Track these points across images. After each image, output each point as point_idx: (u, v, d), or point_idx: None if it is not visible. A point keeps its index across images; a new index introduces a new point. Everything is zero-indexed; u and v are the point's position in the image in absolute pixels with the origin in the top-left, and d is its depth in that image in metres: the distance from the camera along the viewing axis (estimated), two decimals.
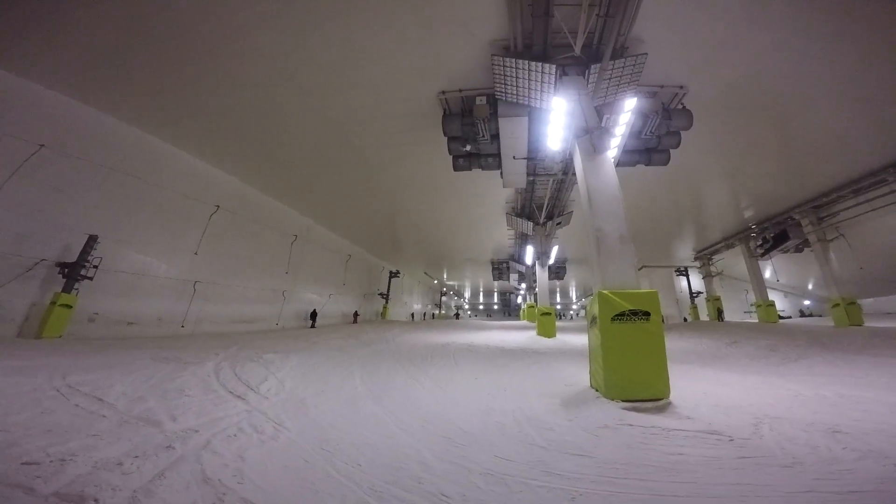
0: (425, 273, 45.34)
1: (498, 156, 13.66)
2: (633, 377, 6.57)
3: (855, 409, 5.58)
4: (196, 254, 16.80)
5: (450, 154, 13.85)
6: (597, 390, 7.20)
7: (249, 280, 20.26)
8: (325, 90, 12.36)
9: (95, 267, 13.05)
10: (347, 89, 12.32)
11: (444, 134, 13.04)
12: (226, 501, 3.06)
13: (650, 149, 13.35)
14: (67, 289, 12.42)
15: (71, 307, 12.36)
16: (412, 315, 47.51)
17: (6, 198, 11.37)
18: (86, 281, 12.82)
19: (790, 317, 33.29)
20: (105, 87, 12.18)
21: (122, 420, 4.74)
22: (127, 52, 10.80)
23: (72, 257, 12.63)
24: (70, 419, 4.59)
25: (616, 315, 6.98)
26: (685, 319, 36.71)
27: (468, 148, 13.39)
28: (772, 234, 23.49)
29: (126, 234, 14.33)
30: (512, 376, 9.21)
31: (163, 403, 5.58)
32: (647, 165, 13.72)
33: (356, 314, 31.30)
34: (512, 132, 12.37)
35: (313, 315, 25.71)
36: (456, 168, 14.33)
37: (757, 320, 24.87)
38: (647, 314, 6.96)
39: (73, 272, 12.51)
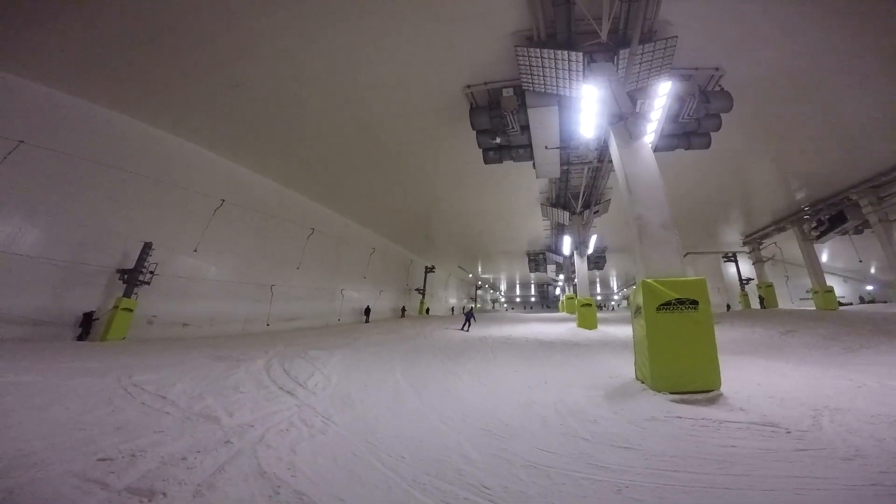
0: (459, 267, 45.39)
1: (529, 146, 13.39)
2: (681, 368, 6.37)
3: None
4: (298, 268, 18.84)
5: (479, 147, 13.73)
6: (643, 382, 7.04)
7: (313, 280, 21.95)
8: (348, 91, 12.53)
9: (152, 273, 13.91)
10: (369, 89, 12.44)
11: (473, 128, 12.94)
12: (281, 494, 3.23)
13: (689, 132, 12.82)
14: (128, 293, 13.32)
15: (132, 311, 13.26)
16: (451, 309, 47.89)
17: (68, 210, 12.33)
18: (144, 286, 13.69)
19: (850, 303, 30.98)
20: (147, 99, 12.90)
21: (185, 417, 5.06)
22: (157, 64, 11.36)
23: (129, 264, 13.53)
24: (138, 416, 4.95)
25: (662, 304, 6.78)
26: (728, 307, 34.97)
27: (498, 140, 13.19)
28: (827, 216, 21.84)
29: (179, 241, 15.20)
30: (553, 369, 9.14)
31: (220, 400, 5.91)
32: (686, 149, 13.21)
33: (404, 309, 32.91)
34: (542, 122, 12.14)
35: (367, 311, 26.79)
36: (487, 161, 14.19)
37: (814, 307, 23.34)
38: (695, 303, 6.72)
39: (132, 278, 13.40)
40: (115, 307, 12.96)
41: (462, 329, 18.48)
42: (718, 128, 12.57)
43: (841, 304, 25.70)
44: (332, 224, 23.55)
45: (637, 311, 7.36)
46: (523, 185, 20.07)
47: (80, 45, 10.63)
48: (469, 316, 20.16)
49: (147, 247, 13.83)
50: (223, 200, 16.50)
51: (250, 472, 3.61)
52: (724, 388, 6.21)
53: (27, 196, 11.62)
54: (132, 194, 13.89)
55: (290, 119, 13.99)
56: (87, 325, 12.95)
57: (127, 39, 10.47)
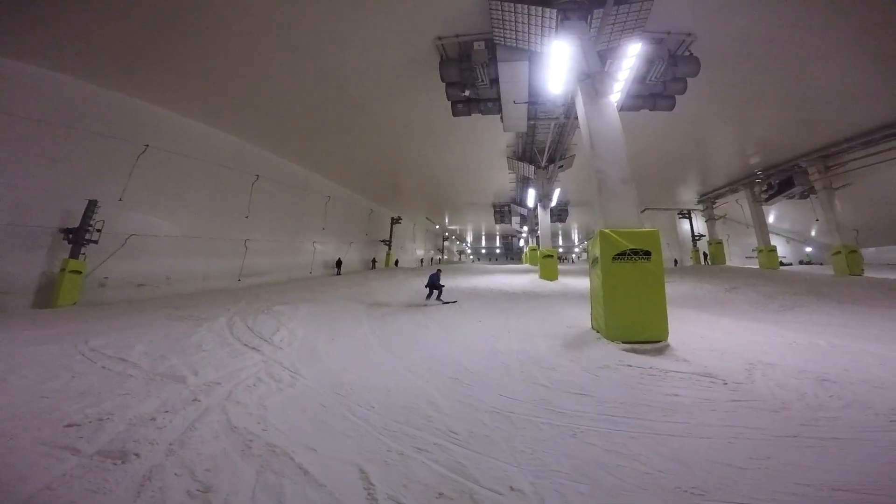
0: (427, 218, 45.32)
1: (498, 100, 13.35)
2: (633, 318, 6.79)
3: (845, 359, 5.75)
4: (247, 217, 18.47)
5: (448, 100, 13.50)
6: (598, 332, 7.47)
7: (275, 233, 21.51)
8: (312, 41, 11.78)
9: (99, 231, 13.14)
10: (335, 39, 11.76)
11: (442, 80, 12.63)
12: (253, 447, 3.32)
13: (655, 94, 13.03)
14: (74, 254, 12.59)
15: (81, 272, 12.59)
16: (420, 261, 48.22)
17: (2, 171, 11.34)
18: (91, 245, 12.96)
19: (791, 263, 33.27)
20: (88, 53, 11.66)
21: (149, 378, 5.03)
22: (98, 17, 10.25)
23: (74, 223, 12.70)
24: (100, 381, 4.87)
25: (617, 254, 7.10)
26: (675, 263, 36.82)
27: (467, 93, 13.02)
28: (777, 181, 23.26)
29: (127, 198, 14.29)
30: (515, 319, 9.52)
31: (184, 359, 5.88)
32: (651, 110, 13.46)
33: (374, 261, 33.26)
34: (512, 77, 12.06)
35: (338, 263, 26.88)
36: (455, 113, 14.04)
37: (758, 266, 24.99)
38: (648, 253, 7.08)
39: (77, 237, 12.62)
40: (63, 269, 12.27)
41: (426, 301, 12.49)
42: (684, 91, 12.82)
43: (782, 264, 27.57)
44: (295, 176, 22.76)
45: (594, 261, 7.69)
46: (490, 139, 19.91)
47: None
48: (434, 282, 12.74)
49: (92, 204, 12.95)
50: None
51: (221, 428, 3.68)
52: (671, 340, 6.66)
53: None
54: (73, 151, 12.81)
55: (249, 70, 13.05)
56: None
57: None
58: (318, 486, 2.77)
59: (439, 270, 13.40)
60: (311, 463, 3.08)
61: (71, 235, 12.61)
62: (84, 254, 12.83)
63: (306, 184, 23.92)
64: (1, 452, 2.99)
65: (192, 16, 10.52)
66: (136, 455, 3.07)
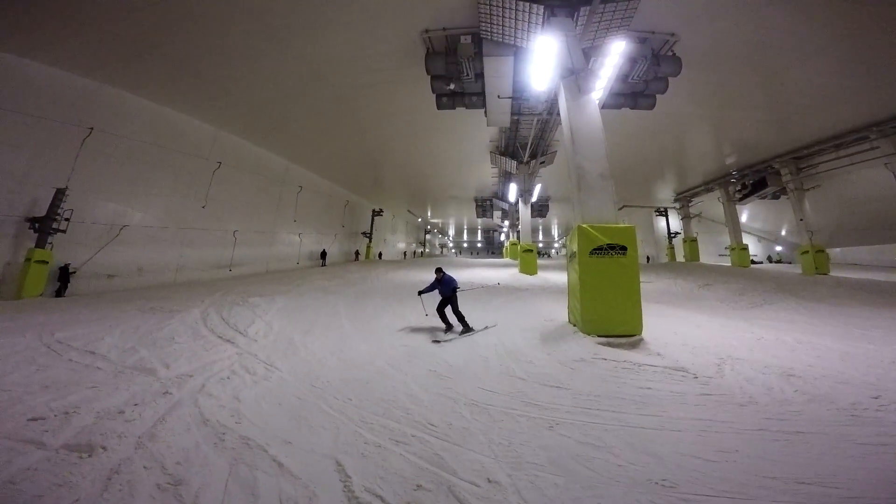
0: (409, 211, 45.07)
1: (482, 95, 13.37)
2: (608, 313, 6.90)
3: (810, 355, 5.96)
4: (203, 207, 17.21)
5: (433, 93, 13.45)
6: (574, 325, 7.58)
7: (252, 224, 21.11)
8: (298, 29, 11.51)
9: (67, 220, 12.61)
10: (322, 28, 11.52)
11: (428, 72, 12.58)
12: (226, 440, 3.27)
13: (637, 93, 13.24)
14: (41, 244, 12.06)
15: (47, 263, 12.09)
16: (404, 254, 47.98)
17: None
18: (59, 235, 12.44)
19: (762, 262, 34.32)
20: (61, 41, 11.10)
21: (117, 371, 4.88)
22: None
23: (41, 212, 12.17)
24: (66, 374, 4.71)
25: (594, 249, 7.21)
26: (647, 259, 37.62)
27: (452, 87, 13.01)
28: (751, 181, 24.05)
29: (97, 186, 13.73)
30: (495, 312, 9.58)
31: (154, 352, 5.72)
32: (632, 109, 13.67)
33: (357, 253, 33.29)
34: (497, 71, 12.12)
35: (323, 255, 27.05)
36: (439, 106, 14.00)
37: (730, 263, 25.71)
38: (624, 248, 7.20)
39: (44, 226, 12.10)
40: (28, 259, 11.75)
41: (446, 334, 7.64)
42: (665, 91, 13.05)
43: (753, 262, 28.38)
44: (273, 167, 22.28)
45: (572, 255, 7.80)
46: (474, 133, 19.90)
47: None
48: (449, 294, 8.04)
49: (60, 193, 12.42)
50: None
51: (192, 421, 3.60)
52: (645, 334, 6.81)
53: None
54: (39, 139, 12.23)
55: (227, 57, 12.61)
56: (64, 280, 12.52)
57: None
58: (293, 478, 2.74)
59: (442, 276, 8.06)
60: (286, 455, 3.05)
61: (37, 225, 12.09)
62: (51, 243, 12.32)
63: (285, 175, 23.45)
64: None
65: (169, 1, 10.13)
66: (104, 448, 2.99)
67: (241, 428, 3.51)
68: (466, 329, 7.52)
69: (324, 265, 26.04)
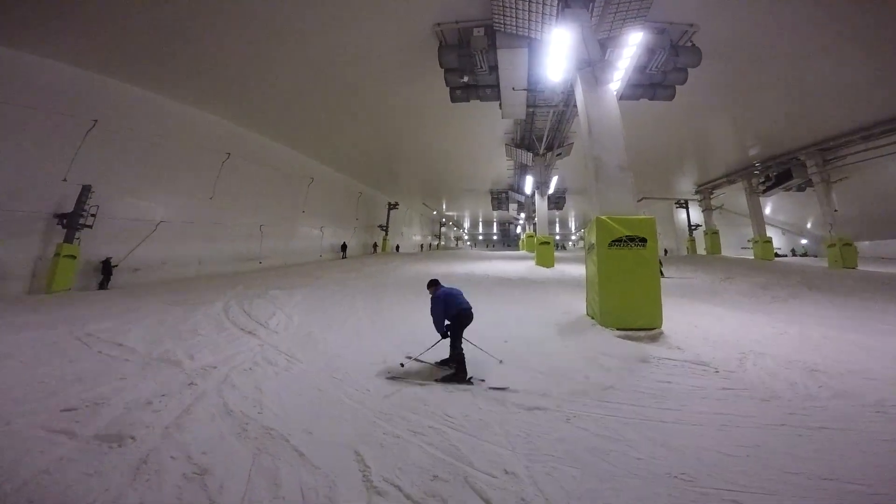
0: (424, 204, 45.08)
1: (496, 87, 13.22)
2: (627, 305, 6.83)
3: (836, 351, 5.80)
4: (211, 198, 16.97)
5: (447, 86, 13.38)
6: (593, 318, 7.51)
7: (268, 218, 21.28)
8: (314, 26, 11.55)
9: (93, 216, 13.00)
10: (336, 23, 11.52)
11: (441, 66, 12.50)
12: (249, 430, 3.35)
13: (655, 84, 12.94)
14: (69, 238, 12.46)
15: (75, 257, 12.50)
16: (420, 246, 48.12)
17: None
18: (86, 230, 12.84)
19: (786, 255, 33.31)
20: (82, 42, 11.39)
21: (145, 362, 5.03)
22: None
23: (68, 208, 12.57)
24: (96, 365, 4.87)
25: (613, 240, 7.13)
26: (665, 252, 36.83)
27: (466, 79, 12.90)
28: (775, 173, 23.37)
29: (121, 183, 14.12)
30: (511, 304, 9.56)
31: (179, 344, 5.88)
32: (651, 100, 13.39)
33: (375, 245, 33.78)
34: (511, 63, 11.97)
35: (343, 247, 27.60)
36: (453, 99, 13.93)
37: (753, 256, 25.08)
38: (644, 240, 7.10)
39: (72, 222, 12.49)
40: (57, 254, 12.16)
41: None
42: (684, 81, 12.75)
43: (777, 255, 27.56)
44: (290, 162, 22.50)
45: (590, 247, 7.73)
46: (489, 125, 19.72)
47: None
48: (462, 319, 5.19)
49: (86, 189, 12.81)
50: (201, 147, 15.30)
51: (217, 411, 3.70)
52: (665, 328, 6.71)
53: None
54: (65, 138, 12.59)
55: (243, 55, 12.79)
56: (107, 272, 13.18)
57: None
58: (314, 468, 2.80)
59: (437, 291, 5.47)
60: (306, 446, 3.11)
61: (65, 220, 12.49)
62: (79, 238, 12.72)
63: (302, 170, 23.67)
64: (0, 436, 2.99)
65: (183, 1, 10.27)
66: (132, 438, 3.08)
67: (263, 418, 3.59)
68: (459, 373, 4.76)
69: (344, 257, 26.61)
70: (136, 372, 4.67)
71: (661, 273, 15.58)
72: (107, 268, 13.28)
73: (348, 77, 14.65)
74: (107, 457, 2.82)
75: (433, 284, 5.56)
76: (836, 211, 19.65)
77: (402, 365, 5.15)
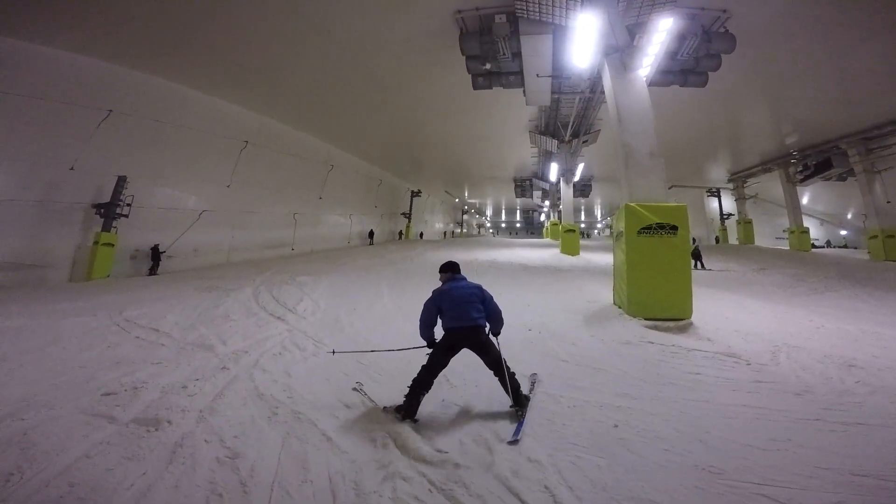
0: (446, 192, 44.95)
1: (520, 74, 12.95)
2: (656, 294, 6.67)
3: (875, 346, 5.54)
4: (228, 186, 17.48)
5: (469, 73, 13.19)
6: (620, 307, 7.38)
7: (294, 206, 21.79)
8: (335, 15, 11.63)
9: (129, 205, 13.52)
10: (355, 11, 11.52)
11: (462, 53, 12.33)
12: (279, 414, 3.45)
13: (686, 70, 12.48)
14: (107, 227, 13.02)
15: (113, 245, 13.05)
16: (444, 234, 48.21)
17: (32, 152, 11.75)
18: (122, 219, 13.37)
19: (823, 246, 31.72)
20: (112, 36, 11.72)
21: (180, 347, 5.24)
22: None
23: (105, 199, 13.10)
24: (134, 350, 5.10)
25: (643, 228, 6.96)
26: (694, 241, 35.53)
27: (488, 66, 12.69)
28: (814, 162, 22.07)
29: (155, 173, 14.67)
30: (535, 293, 9.49)
31: (212, 329, 6.10)
32: (682, 86, 12.93)
33: (401, 233, 34.72)
34: (535, 50, 11.70)
35: (371, 234, 28.59)
36: (476, 86, 13.73)
37: (788, 247, 24.05)
38: (675, 228, 6.91)
39: (109, 211, 13.04)
40: (96, 242, 12.73)
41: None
42: (717, 68, 12.31)
43: (815, 246, 26.25)
44: (316, 150, 22.72)
45: (618, 235, 7.57)
46: (512, 112, 19.41)
47: None
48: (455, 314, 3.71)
49: (121, 180, 13.32)
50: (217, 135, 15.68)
51: (248, 395, 3.82)
52: (694, 319, 6.54)
53: None
54: (100, 131, 13.06)
55: (272, 48, 13.06)
56: (156, 258, 14.09)
57: None
58: (341, 452, 2.86)
59: (450, 280, 4.07)
60: (334, 430, 3.18)
61: (102, 210, 13.02)
62: (115, 227, 13.24)
63: (327, 159, 23.88)
64: (43, 421, 3.14)
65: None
66: (169, 422, 3.20)
67: (293, 402, 3.69)
68: (401, 407, 3.48)
69: (371, 244, 27.43)
70: (172, 356, 4.86)
71: (702, 265, 15.32)
72: (156, 254, 14.13)
73: (371, 65, 14.67)
74: (144, 441, 2.93)
75: (446, 270, 4.15)
76: (888, 202, 18.53)
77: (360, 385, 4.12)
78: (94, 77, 12.72)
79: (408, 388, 3.50)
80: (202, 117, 15.99)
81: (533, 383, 4.19)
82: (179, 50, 12.89)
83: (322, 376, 4.40)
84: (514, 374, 3.67)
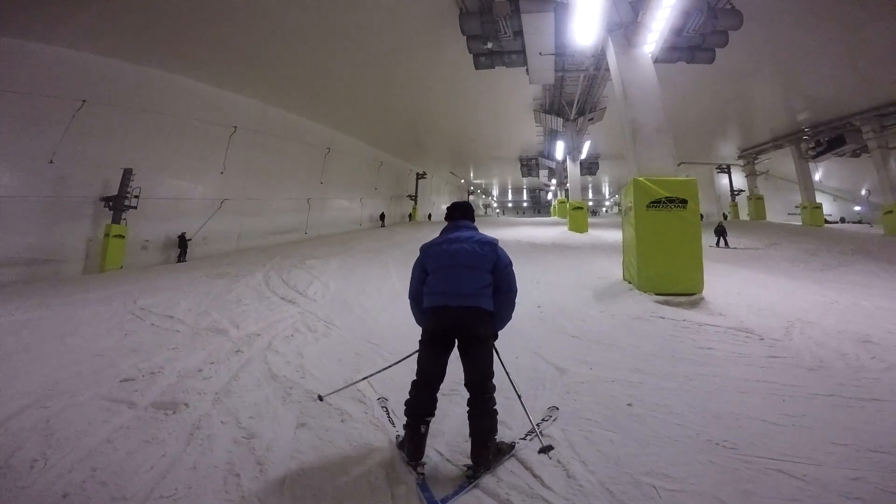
0: (451, 173, 44.69)
1: (522, 52, 12.80)
2: (667, 269, 6.61)
3: (890, 322, 5.44)
4: (221, 173, 17.50)
5: (470, 53, 13.03)
6: (630, 283, 7.34)
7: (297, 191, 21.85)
8: None
9: (136, 197, 13.61)
10: None
11: (463, 33, 12.15)
12: (293, 394, 3.49)
13: (693, 46, 12.29)
14: (116, 219, 13.14)
15: (124, 237, 13.18)
16: None
17: (39, 148, 11.83)
18: (131, 211, 13.47)
19: (836, 221, 31.03)
20: (104, 30, 11.65)
21: (194, 332, 5.31)
22: None
23: (113, 192, 13.20)
24: (150, 337, 5.17)
25: (652, 202, 6.88)
26: (724, 217, 35.02)
27: (490, 46, 12.55)
28: (827, 138, 21.72)
29: (160, 164, 14.73)
30: (544, 270, 9.44)
31: (225, 314, 6.17)
32: (689, 63, 12.72)
33: (410, 215, 35.12)
34: (537, 28, 11.52)
35: (382, 216, 29.16)
36: (478, 66, 13.60)
37: (801, 223, 23.64)
38: (685, 202, 6.82)
39: (117, 204, 13.15)
40: (107, 235, 12.87)
41: None
42: (725, 44, 12.14)
43: (827, 222, 25.75)
44: (321, 136, 22.56)
45: (627, 210, 7.48)
46: (516, 91, 19.16)
47: None
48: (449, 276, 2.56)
49: (128, 173, 13.39)
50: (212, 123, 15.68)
51: (262, 377, 3.88)
52: (706, 294, 6.48)
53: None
54: (108, 126, 13.18)
55: (272, 33, 12.95)
56: (183, 246, 14.67)
57: None
58: (355, 429, 2.90)
59: (455, 223, 2.92)
60: (347, 407, 3.21)
61: (111, 203, 13.13)
62: (125, 219, 13.35)
63: (332, 143, 23.71)
64: (64, 408, 3.19)
65: None
66: (186, 405, 3.25)
67: (306, 382, 3.74)
68: (479, 462, 2.28)
69: (383, 226, 28.07)
70: (187, 342, 4.93)
71: (726, 242, 14.96)
72: (183, 242, 14.58)
73: (370, 48, 14.51)
74: (163, 424, 2.98)
75: (452, 214, 2.98)
76: None
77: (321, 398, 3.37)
78: (96, 73, 12.76)
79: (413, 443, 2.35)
80: (205, 108, 15.97)
81: (545, 419, 2.98)
82: (179, 42, 12.88)
83: (334, 357, 4.46)
84: (496, 410, 2.39)
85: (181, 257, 14.49)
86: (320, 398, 3.35)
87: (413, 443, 2.33)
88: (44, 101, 11.76)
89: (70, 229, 12.48)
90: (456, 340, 2.44)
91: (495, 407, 2.40)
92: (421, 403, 2.38)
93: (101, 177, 13.17)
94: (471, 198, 60.18)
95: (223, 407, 3.26)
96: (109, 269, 12.52)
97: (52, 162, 11.99)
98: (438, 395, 2.49)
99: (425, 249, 2.75)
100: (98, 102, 12.81)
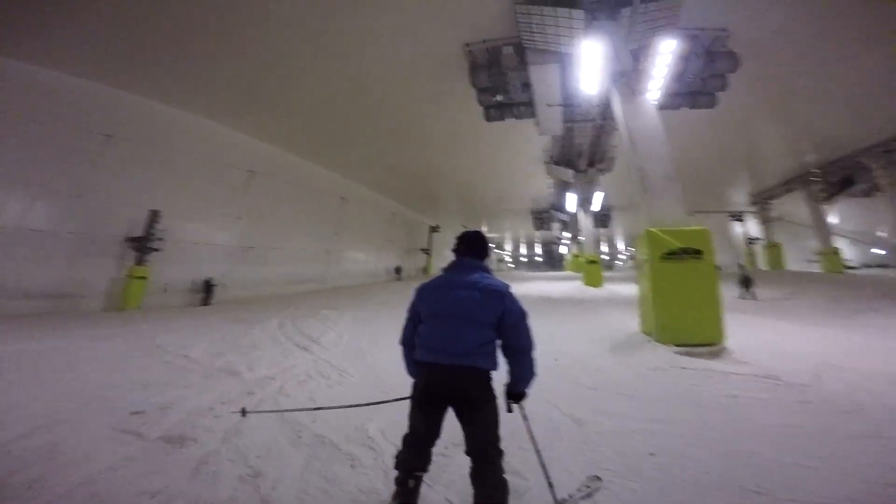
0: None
1: (531, 104, 13.26)
2: (685, 320, 6.48)
3: None
4: (240, 218, 18.06)
5: (480, 105, 13.56)
6: (648, 335, 7.19)
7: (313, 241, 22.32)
8: (342, 47, 12.01)
9: (161, 239, 14.02)
10: (364, 44, 11.93)
11: (473, 85, 12.72)
12: (303, 437, 3.43)
13: (694, 91, 12.67)
14: (140, 261, 13.50)
15: (145, 279, 13.47)
16: None
17: (72, 184, 12.36)
18: (154, 253, 13.85)
19: (858, 267, 30.33)
20: (140, 73, 12.47)
21: (207, 373, 5.31)
22: (149, 37, 10.90)
23: (138, 232, 13.62)
24: (164, 374, 5.19)
25: (666, 254, 6.86)
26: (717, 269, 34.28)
27: (499, 98, 13.09)
28: (836, 179, 21.73)
29: (185, 208, 15.26)
30: (558, 324, 9.32)
31: (239, 357, 6.18)
32: (692, 108, 13.09)
33: (424, 269, 36.15)
34: (543, 79, 12.01)
35: (398, 269, 30.20)
36: (488, 118, 14.09)
37: (820, 270, 23.12)
38: (699, 252, 6.80)
39: (142, 246, 13.53)
40: (129, 276, 13.17)
41: None
42: (724, 88, 12.46)
43: (848, 267, 24.77)
44: (334, 184, 23.38)
45: (642, 262, 7.46)
46: (526, 143, 19.69)
47: (69, 23, 10.22)
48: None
49: (154, 214, 13.87)
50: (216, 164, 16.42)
51: (273, 419, 3.82)
52: (727, 343, 6.32)
53: (33, 174, 11.65)
54: (134, 164, 13.80)
55: (285, 81, 13.62)
56: (208, 291, 15.05)
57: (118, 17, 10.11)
58: (364, 475, 2.82)
59: (458, 261, 2.60)
60: (358, 453, 3.14)
61: (136, 244, 13.54)
62: (147, 261, 13.71)
63: (348, 194, 24.51)
64: (72, 435, 3.22)
65: (209, 15, 10.61)
66: (194, 441, 3.24)
67: (317, 427, 3.67)
68: None
69: (399, 279, 28.86)
70: (200, 381, 4.93)
71: (753, 294, 14.43)
72: (208, 286, 15.02)
73: (380, 98, 15.04)
74: (169, 457, 2.97)
75: (458, 248, 2.65)
76: None
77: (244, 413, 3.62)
78: (121, 107, 13.40)
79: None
80: (223, 150, 16.65)
81: (580, 490, 2.56)
82: (208, 87, 13.59)
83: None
84: (504, 480, 2.11)
85: (206, 301, 14.77)
86: (243, 413, 3.64)
87: (401, 498, 2.12)
88: (70, 133, 12.29)
89: (95, 266, 12.75)
90: (449, 405, 2.17)
91: (504, 476, 2.11)
92: (411, 459, 2.19)
93: (124, 214, 13.56)
94: None
95: (231, 445, 3.22)
96: (129, 308, 12.72)
97: (79, 196, 12.43)
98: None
99: (420, 291, 2.45)
100: (121, 138, 13.39)
